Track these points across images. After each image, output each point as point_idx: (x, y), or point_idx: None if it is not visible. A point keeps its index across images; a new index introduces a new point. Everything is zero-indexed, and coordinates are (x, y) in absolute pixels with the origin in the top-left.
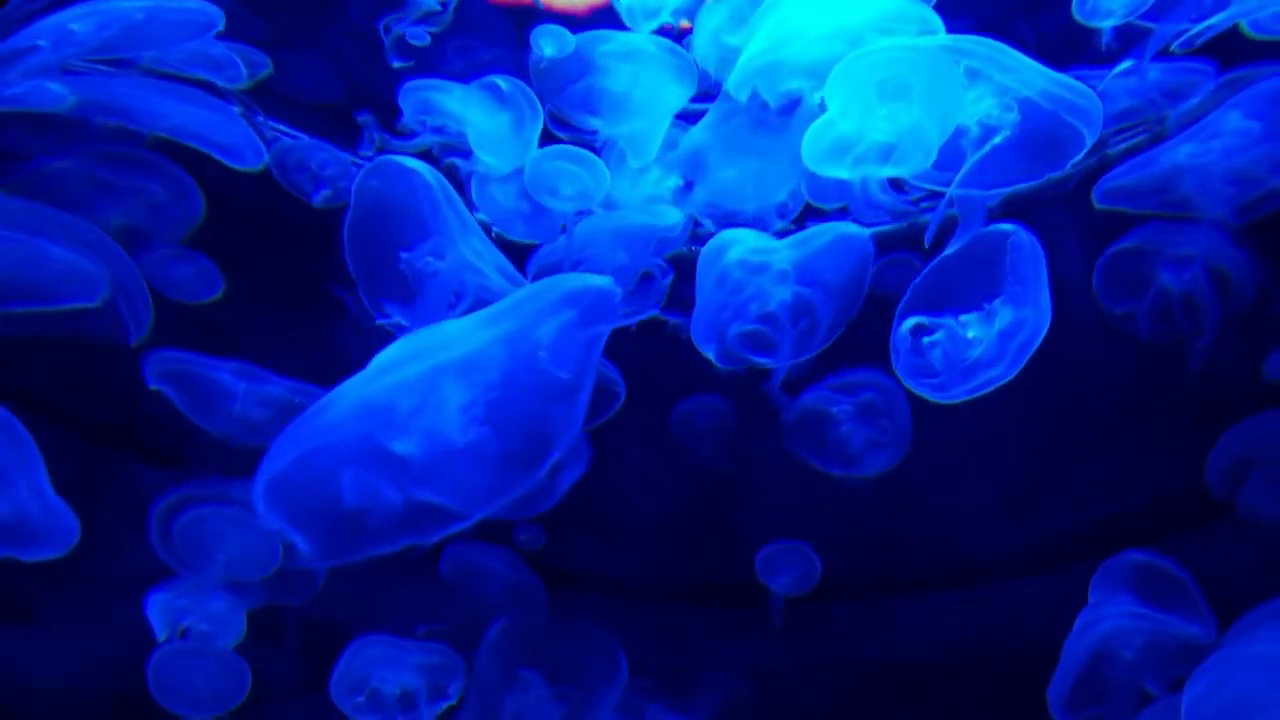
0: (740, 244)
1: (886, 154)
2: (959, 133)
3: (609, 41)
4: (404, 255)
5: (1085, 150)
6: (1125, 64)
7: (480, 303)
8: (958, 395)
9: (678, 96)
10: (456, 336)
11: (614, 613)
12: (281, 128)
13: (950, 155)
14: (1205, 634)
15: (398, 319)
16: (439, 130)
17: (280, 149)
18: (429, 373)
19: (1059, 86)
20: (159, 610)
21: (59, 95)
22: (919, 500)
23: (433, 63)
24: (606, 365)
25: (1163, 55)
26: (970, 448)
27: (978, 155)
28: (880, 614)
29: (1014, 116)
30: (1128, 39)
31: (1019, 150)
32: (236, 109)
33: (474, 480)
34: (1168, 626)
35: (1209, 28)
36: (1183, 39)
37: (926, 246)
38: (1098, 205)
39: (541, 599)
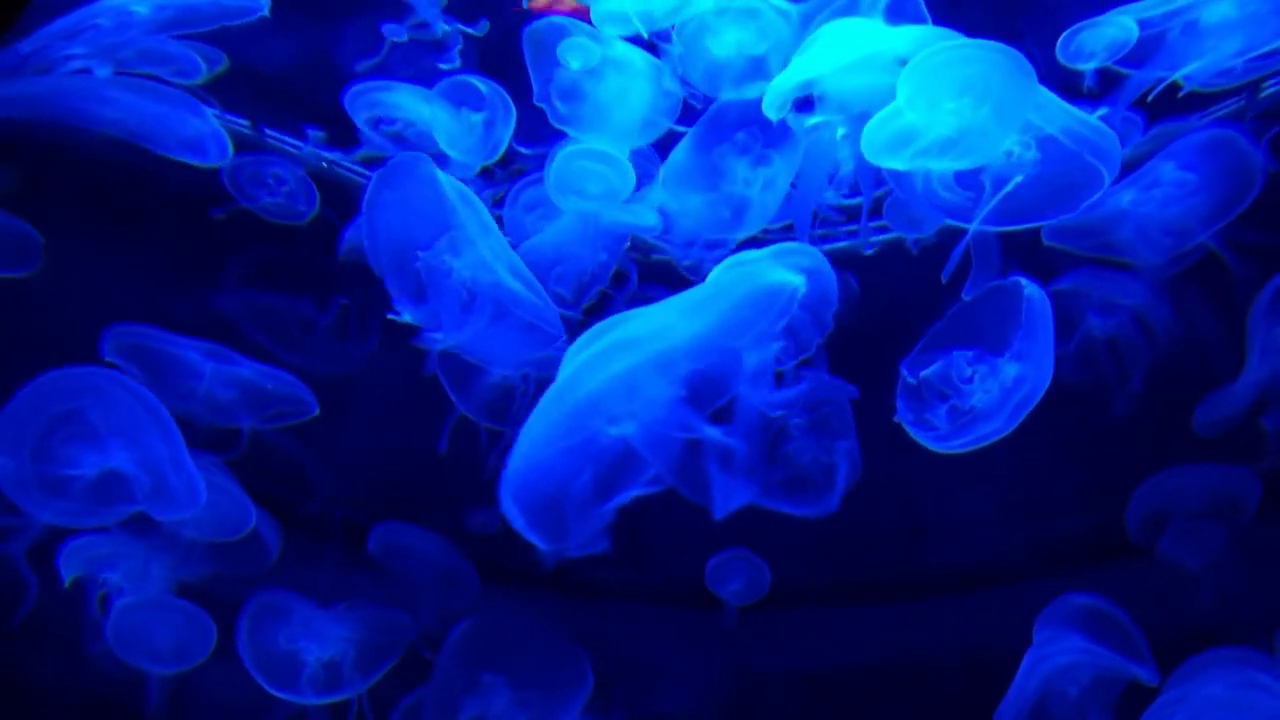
0: None
1: (947, 149)
2: (980, 169)
3: (611, 47)
4: (420, 254)
5: (1103, 190)
6: (1101, 110)
7: (495, 303)
8: (956, 447)
9: (652, 127)
10: (660, 330)
11: (572, 614)
12: (241, 122)
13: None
14: (1149, 675)
15: (410, 316)
16: (399, 134)
17: (233, 164)
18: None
19: (1083, 125)
20: (74, 557)
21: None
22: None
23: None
24: None
25: (1140, 102)
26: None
27: (1002, 192)
28: (828, 623)
29: (1034, 154)
30: (1109, 82)
31: (1038, 188)
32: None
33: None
34: (1113, 665)
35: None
36: (1159, 88)
37: (945, 281)
38: (1045, 241)
39: (473, 586)
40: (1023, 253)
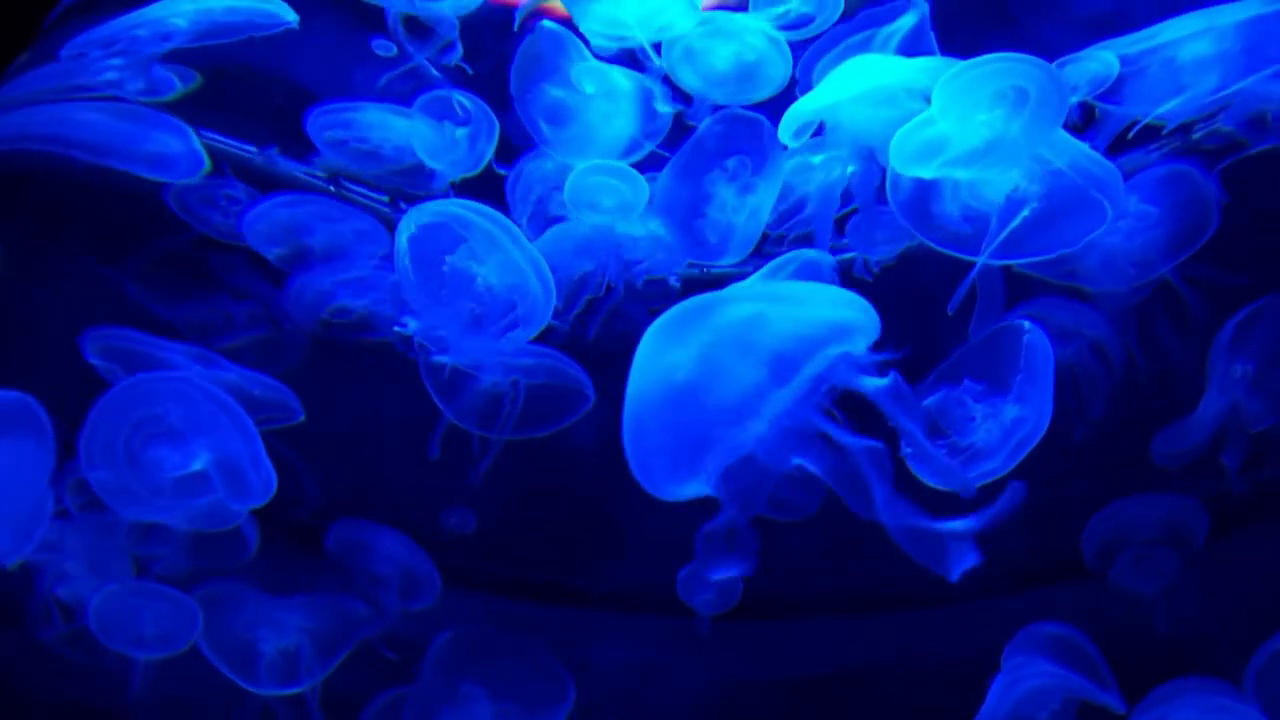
0: None
1: (974, 160)
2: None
3: (601, 75)
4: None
5: (1105, 227)
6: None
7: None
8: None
9: (637, 149)
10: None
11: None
12: (218, 139)
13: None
14: (1116, 703)
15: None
16: (374, 152)
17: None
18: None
19: (1088, 159)
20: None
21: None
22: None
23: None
24: (573, 367)
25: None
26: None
27: (1009, 227)
28: (800, 634)
29: (1038, 188)
30: (1089, 117)
31: (1041, 222)
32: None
33: None
34: (1084, 691)
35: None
36: (1138, 125)
37: (950, 313)
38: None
39: (436, 587)
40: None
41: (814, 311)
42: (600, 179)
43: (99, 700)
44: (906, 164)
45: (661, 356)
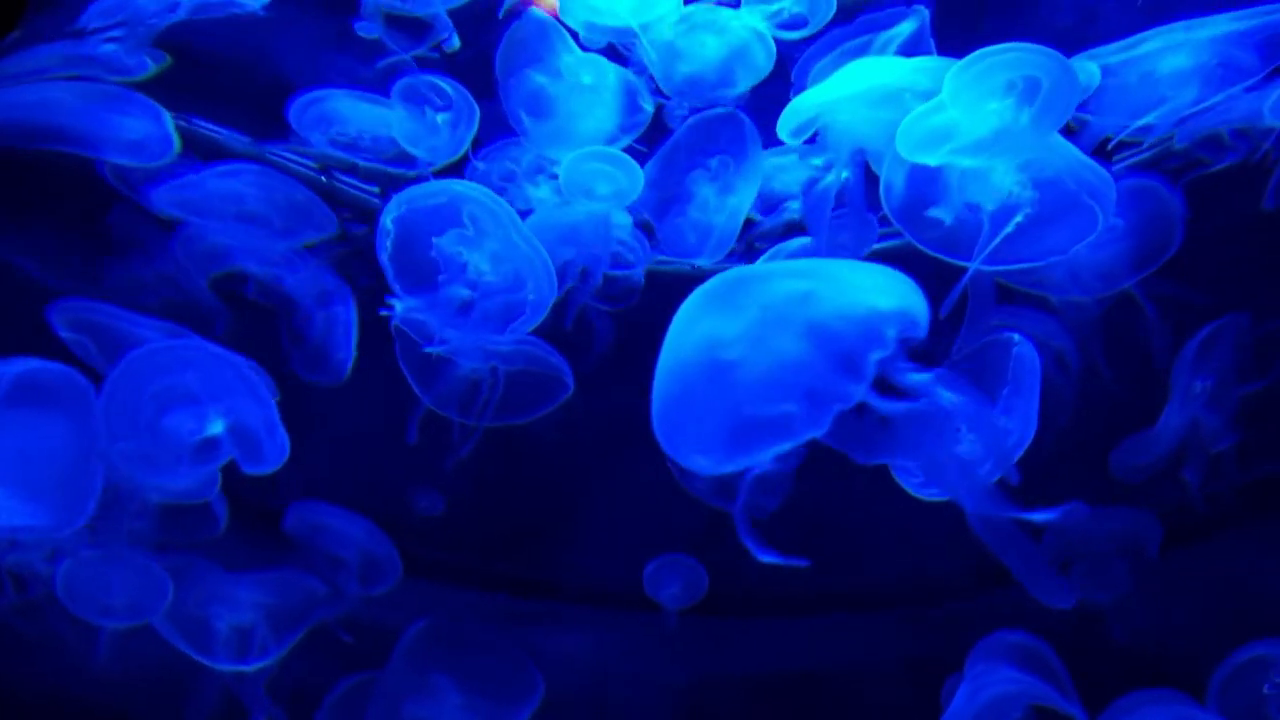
0: None
1: (981, 149)
2: (974, 208)
3: (586, 65)
4: (435, 241)
5: (1098, 233)
6: None
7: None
8: (935, 496)
9: (616, 144)
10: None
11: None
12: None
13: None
14: (1079, 713)
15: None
16: (351, 143)
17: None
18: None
19: (1083, 166)
20: None
21: (139, 65)
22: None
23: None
24: (552, 354)
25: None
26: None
27: (1003, 233)
28: (764, 630)
29: (1031, 194)
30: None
31: (1033, 228)
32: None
33: None
34: (1048, 699)
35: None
36: (1117, 138)
37: (942, 317)
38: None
39: (396, 571)
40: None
41: (863, 295)
42: (596, 165)
43: (54, 678)
44: (913, 150)
45: (704, 325)
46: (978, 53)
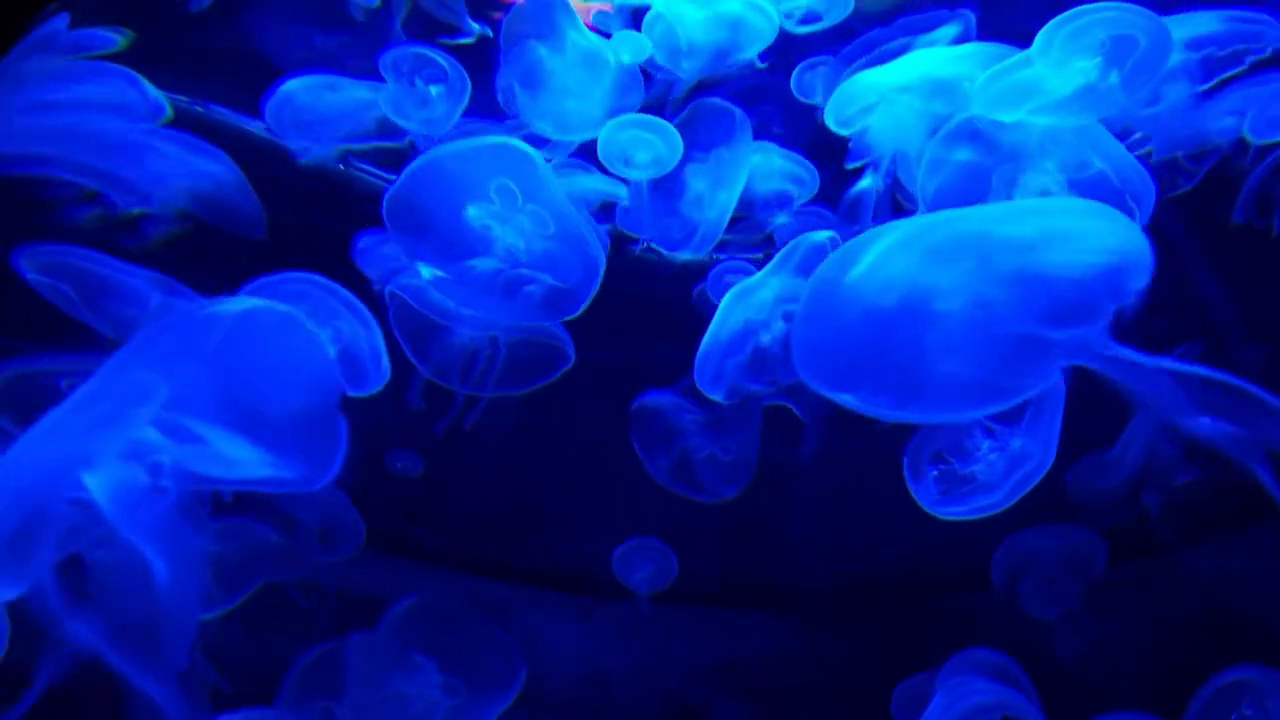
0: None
1: (1064, 108)
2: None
3: (587, 40)
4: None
5: None
6: None
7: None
8: (953, 515)
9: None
10: None
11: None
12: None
13: None
14: None
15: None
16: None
17: None
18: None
19: (1127, 162)
20: None
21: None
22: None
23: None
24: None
25: None
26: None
27: None
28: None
29: (1071, 190)
30: None
31: None
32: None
33: None
34: (1022, 711)
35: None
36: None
37: None
38: None
39: (358, 538)
40: None
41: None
42: (634, 132)
43: None
44: (991, 105)
45: (910, 273)
46: (1073, 10)
